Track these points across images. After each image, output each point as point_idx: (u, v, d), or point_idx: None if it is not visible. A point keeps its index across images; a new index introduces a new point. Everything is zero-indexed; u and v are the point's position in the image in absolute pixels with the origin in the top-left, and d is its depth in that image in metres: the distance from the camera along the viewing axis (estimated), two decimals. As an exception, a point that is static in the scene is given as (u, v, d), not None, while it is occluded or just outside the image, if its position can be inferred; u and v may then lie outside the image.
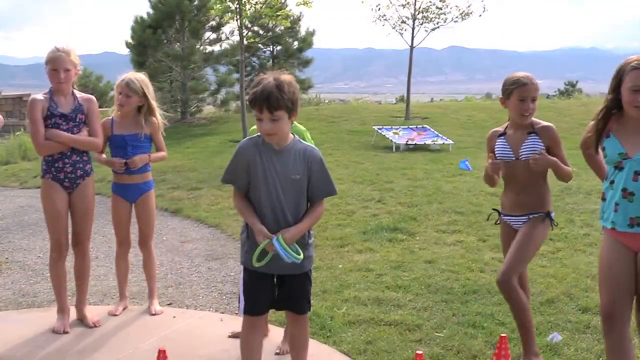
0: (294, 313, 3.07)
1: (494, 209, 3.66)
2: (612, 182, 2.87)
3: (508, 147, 3.41)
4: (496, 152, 3.45)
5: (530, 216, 3.41)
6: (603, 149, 2.91)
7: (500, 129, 3.51)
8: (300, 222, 2.91)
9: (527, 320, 3.40)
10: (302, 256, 2.88)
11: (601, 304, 2.93)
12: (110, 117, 4.25)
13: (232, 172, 2.96)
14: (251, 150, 2.91)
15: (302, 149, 2.94)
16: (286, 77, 2.83)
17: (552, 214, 3.46)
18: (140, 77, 4.20)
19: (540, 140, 3.35)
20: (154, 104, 4.26)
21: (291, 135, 2.96)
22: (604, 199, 2.94)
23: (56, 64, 3.87)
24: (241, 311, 3.01)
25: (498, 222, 3.65)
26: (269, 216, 2.88)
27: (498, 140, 3.46)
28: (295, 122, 3.67)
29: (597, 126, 2.90)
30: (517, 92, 3.30)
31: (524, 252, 3.37)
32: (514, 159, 3.39)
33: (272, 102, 2.74)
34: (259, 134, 2.91)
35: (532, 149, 3.33)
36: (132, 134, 4.20)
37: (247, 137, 3.01)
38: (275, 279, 3.02)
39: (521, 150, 3.36)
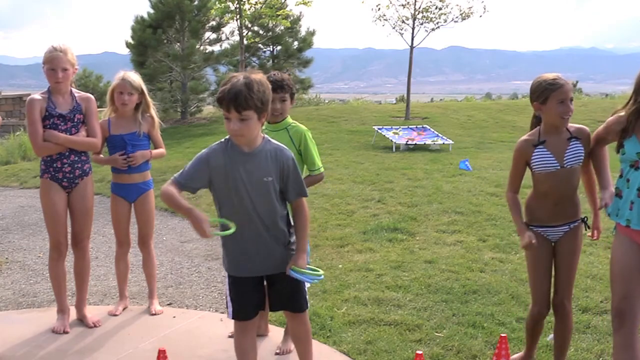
0: (291, 312, 3.05)
1: (525, 223, 3.30)
2: (628, 180, 2.91)
3: (551, 156, 3.17)
4: (537, 163, 3.19)
5: (571, 225, 3.25)
6: (622, 147, 2.93)
7: (531, 137, 3.24)
8: (298, 241, 2.90)
9: (570, 340, 3.44)
10: (322, 271, 2.89)
11: (612, 300, 2.94)
12: (107, 119, 4.24)
13: (189, 177, 2.81)
14: (218, 156, 2.81)
15: (273, 150, 2.85)
16: (256, 76, 2.75)
17: (586, 218, 3.37)
18: (137, 75, 4.25)
19: (581, 146, 3.18)
20: (150, 100, 4.30)
21: (261, 135, 2.87)
22: (619, 196, 2.95)
23: (53, 63, 3.87)
24: (230, 315, 2.99)
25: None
26: (244, 222, 2.82)
27: (537, 150, 3.19)
28: (296, 122, 3.67)
29: (623, 126, 2.91)
30: (556, 94, 3.10)
31: (575, 269, 3.31)
32: (558, 167, 3.16)
33: (240, 102, 2.66)
34: (227, 137, 2.83)
35: (576, 155, 3.17)
36: (130, 132, 4.21)
37: (216, 142, 2.89)
38: (264, 280, 2.98)
39: (566, 158, 3.16)
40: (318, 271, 2.89)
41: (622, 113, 2.96)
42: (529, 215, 3.32)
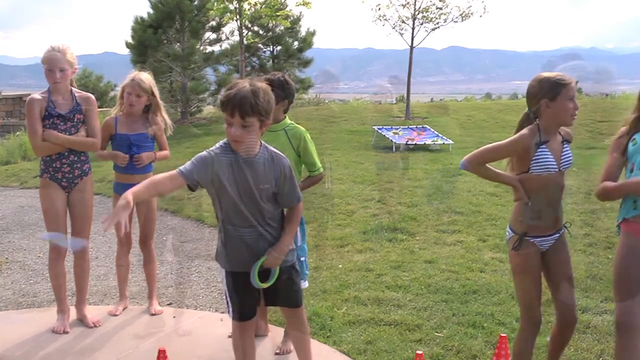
0: (288, 307, 3.06)
1: (522, 234, 3.05)
2: None
3: (552, 157, 2.99)
4: (538, 164, 2.98)
5: (560, 232, 3.11)
6: (633, 139, 2.91)
7: (533, 133, 3.00)
8: (284, 235, 2.88)
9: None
10: (267, 284, 2.84)
11: (622, 303, 2.90)
12: (114, 116, 4.24)
13: (196, 171, 2.75)
14: (219, 159, 2.78)
15: (270, 157, 2.84)
16: (262, 84, 2.75)
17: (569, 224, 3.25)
18: (148, 76, 4.24)
19: (569, 148, 3.11)
20: (160, 102, 4.29)
21: (259, 142, 2.84)
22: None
23: (51, 64, 3.87)
24: (231, 315, 2.99)
25: (517, 247, 3.06)
26: (244, 225, 2.83)
27: (539, 150, 2.97)
28: (294, 123, 3.66)
29: (635, 117, 2.90)
30: (566, 91, 2.92)
31: (572, 276, 3.19)
32: (557, 170, 3.01)
33: (245, 108, 2.64)
34: (227, 140, 2.81)
35: (570, 158, 3.09)
36: (137, 133, 4.20)
37: (216, 145, 2.85)
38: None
39: (562, 161, 3.03)
40: (269, 282, 2.85)
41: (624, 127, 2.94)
42: (524, 226, 3.05)
